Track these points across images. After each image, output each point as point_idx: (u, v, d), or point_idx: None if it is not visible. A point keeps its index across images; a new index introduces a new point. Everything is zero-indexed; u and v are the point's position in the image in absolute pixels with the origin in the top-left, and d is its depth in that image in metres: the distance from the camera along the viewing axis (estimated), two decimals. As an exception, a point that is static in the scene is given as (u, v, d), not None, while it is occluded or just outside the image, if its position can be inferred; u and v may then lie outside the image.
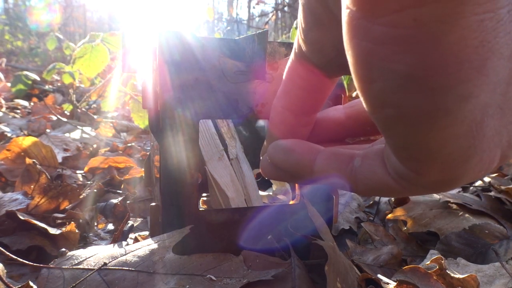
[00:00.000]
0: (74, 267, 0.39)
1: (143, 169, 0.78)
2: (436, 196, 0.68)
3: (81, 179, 0.88)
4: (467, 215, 0.62)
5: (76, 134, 1.35)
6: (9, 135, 1.26)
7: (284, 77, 0.27)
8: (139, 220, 0.66)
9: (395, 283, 0.42)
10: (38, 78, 2.35)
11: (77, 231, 0.54)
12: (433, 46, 0.17)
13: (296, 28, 1.84)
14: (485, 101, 0.18)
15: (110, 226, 0.64)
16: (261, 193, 0.70)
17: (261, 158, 0.30)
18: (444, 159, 0.19)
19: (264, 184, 0.65)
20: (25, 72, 2.30)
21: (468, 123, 0.18)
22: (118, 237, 0.53)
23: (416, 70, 0.17)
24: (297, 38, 0.25)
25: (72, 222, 0.55)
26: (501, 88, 0.18)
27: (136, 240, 0.55)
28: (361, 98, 0.20)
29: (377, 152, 0.23)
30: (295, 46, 0.26)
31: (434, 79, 0.17)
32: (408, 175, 0.21)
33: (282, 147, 0.28)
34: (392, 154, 0.21)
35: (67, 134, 1.32)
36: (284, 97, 0.28)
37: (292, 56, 0.26)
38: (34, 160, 0.67)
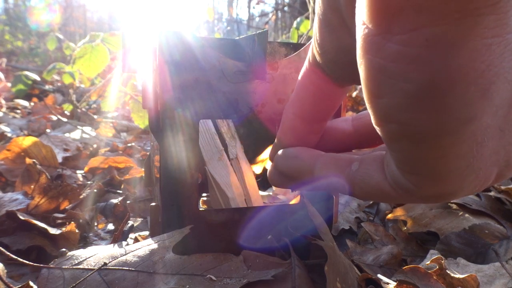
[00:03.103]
0: (74, 267, 0.39)
1: (143, 169, 0.78)
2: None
3: (81, 179, 0.88)
4: (467, 215, 0.62)
5: (76, 134, 1.35)
6: (9, 135, 1.26)
7: (297, 85, 0.28)
8: (139, 220, 0.66)
9: (395, 283, 0.42)
10: (38, 78, 2.35)
11: (77, 231, 0.54)
12: (442, 67, 0.17)
13: (296, 28, 1.84)
14: (487, 123, 0.18)
15: (110, 226, 0.64)
16: (261, 193, 0.70)
17: (268, 161, 0.32)
18: (443, 176, 0.20)
19: (264, 184, 0.65)
20: (25, 72, 2.30)
21: (470, 144, 0.18)
22: (118, 237, 0.53)
23: (423, 90, 0.17)
24: (312, 48, 0.26)
25: (72, 222, 0.55)
26: (503, 111, 0.18)
27: (136, 240, 0.55)
28: (369, 110, 0.20)
29: (376, 158, 0.24)
30: (309, 55, 0.26)
31: (440, 100, 0.17)
32: (406, 185, 0.21)
33: (286, 155, 0.29)
34: (393, 164, 0.22)
35: (67, 134, 1.32)
36: (296, 104, 0.28)
37: (306, 64, 0.27)
38: (34, 160, 0.67)
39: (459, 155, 0.19)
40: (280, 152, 0.29)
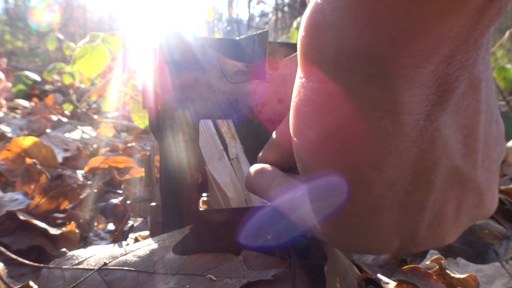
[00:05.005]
0: (74, 267, 0.39)
1: (143, 169, 0.78)
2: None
3: (81, 179, 0.88)
4: (467, 215, 0.62)
5: (76, 134, 1.35)
6: (9, 135, 1.26)
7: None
8: (139, 220, 0.66)
9: (395, 283, 0.42)
10: (38, 78, 2.35)
11: (77, 231, 0.54)
12: (337, 124, 0.18)
13: (296, 28, 1.84)
14: (379, 193, 0.19)
15: (110, 226, 0.64)
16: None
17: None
18: (337, 224, 0.21)
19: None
20: (26, 72, 2.30)
21: (364, 206, 0.20)
22: (118, 237, 0.53)
23: (320, 140, 0.19)
24: None
25: (72, 222, 0.55)
26: (402, 188, 0.19)
27: (136, 240, 0.55)
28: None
29: None
30: None
31: (333, 156, 0.19)
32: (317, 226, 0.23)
33: (254, 169, 0.31)
34: None
35: (67, 134, 1.32)
36: (283, 123, 0.32)
37: None
38: (34, 160, 0.67)
39: (351, 213, 0.20)
40: (253, 165, 0.32)
